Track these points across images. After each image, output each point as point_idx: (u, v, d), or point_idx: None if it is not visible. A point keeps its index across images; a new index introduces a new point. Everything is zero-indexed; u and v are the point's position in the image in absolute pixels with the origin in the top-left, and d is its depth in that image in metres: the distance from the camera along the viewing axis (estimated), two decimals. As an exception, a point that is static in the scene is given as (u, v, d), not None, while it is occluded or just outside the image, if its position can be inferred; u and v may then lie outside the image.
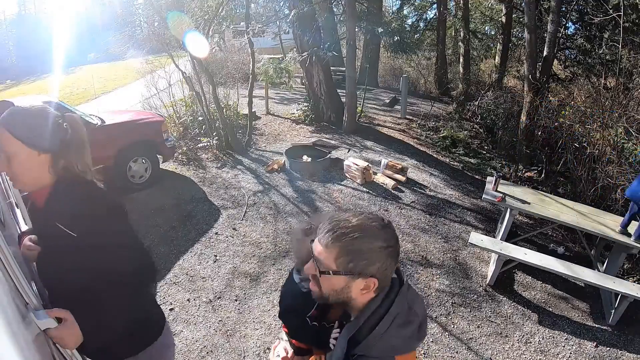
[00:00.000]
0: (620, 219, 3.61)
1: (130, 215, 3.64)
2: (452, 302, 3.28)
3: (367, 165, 5.13)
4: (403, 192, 4.99)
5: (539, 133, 6.26)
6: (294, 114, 8.20)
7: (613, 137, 5.08)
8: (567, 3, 9.23)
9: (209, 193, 4.99)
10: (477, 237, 3.46)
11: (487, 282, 3.51)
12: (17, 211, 1.70)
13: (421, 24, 14.59)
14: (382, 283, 0.90)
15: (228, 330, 2.94)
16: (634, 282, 3.37)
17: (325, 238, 0.86)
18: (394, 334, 0.87)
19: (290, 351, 1.24)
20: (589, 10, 9.50)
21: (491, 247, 3.36)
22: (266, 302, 3.23)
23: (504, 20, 11.14)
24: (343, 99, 7.47)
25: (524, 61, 7.68)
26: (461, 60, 12.07)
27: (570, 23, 10.07)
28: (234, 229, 4.25)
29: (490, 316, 3.16)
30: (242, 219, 4.42)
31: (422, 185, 5.23)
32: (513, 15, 11.14)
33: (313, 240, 0.92)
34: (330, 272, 0.87)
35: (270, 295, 3.29)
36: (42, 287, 1.19)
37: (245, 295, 3.30)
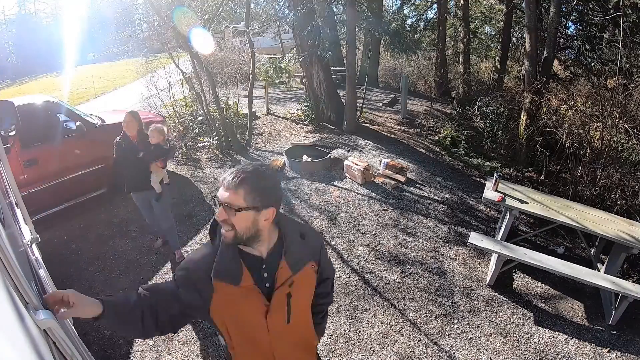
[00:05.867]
0: (620, 219, 3.61)
1: (131, 216, 3.61)
2: (451, 302, 3.28)
3: (367, 165, 5.13)
4: (403, 192, 4.99)
5: (539, 133, 6.25)
6: (293, 113, 8.20)
7: (613, 137, 5.07)
8: (567, 3, 9.22)
9: (208, 193, 4.99)
10: (477, 237, 3.46)
11: (486, 282, 3.51)
12: (17, 211, 1.70)
13: (421, 24, 14.58)
14: (278, 212, 1.16)
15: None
16: (634, 282, 3.36)
17: (232, 183, 1.07)
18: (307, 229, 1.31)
19: None
20: (589, 10, 9.49)
21: (491, 247, 3.36)
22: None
23: (504, 20, 11.14)
24: (343, 99, 7.47)
25: (524, 61, 7.68)
26: (461, 60, 12.07)
27: (570, 23, 10.06)
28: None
29: (489, 316, 3.16)
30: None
31: (422, 185, 5.23)
32: (513, 15, 11.13)
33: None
34: (242, 209, 1.07)
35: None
36: (41, 286, 1.19)
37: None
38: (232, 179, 1.07)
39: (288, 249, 1.20)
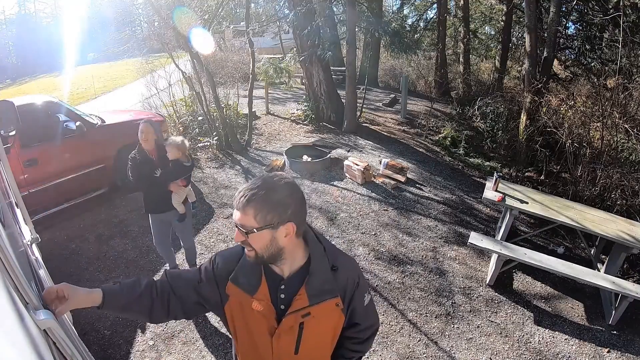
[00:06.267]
0: (620, 219, 3.61)
1: (131, 216, 3.60)
2: (451, 303, 3.28)
3: (367, 165, 5.14)
4: (403, 192, 5.00)
5: (539, 133, 6.26)
6: (294, 113, 8.20)
7: (613, 137, 5.08)
8: (567, 3, 9.23)
9: (208, 193, 4.99)
10: (477, 237, 3.46)
11: (486, 282, 3.51)
12: (17, 211, 1.70)
13: (421, 24, 14.59)
14: (300, 226, 1.07)
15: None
16: (634, 282, 3.36)
17: (240, 204, 1.01)
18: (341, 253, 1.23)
19: None
20: (589, 10, 9.49)
21: (491, 247, 3.36)
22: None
23: (504, 20, 11.14)
24: (343, 99, 7.47)
25: (524, 61, 7.69)
26: (461, 60, 12.07)
27: (570, 23, 10.07)
28: (233, 229, 4.24)
29: (489, 316, 3.16)
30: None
31: (422, 185, 5.23)
32: (513, 15, 11.14)
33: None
34: (255, 229, 1.01)
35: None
36: (41, 286, 1.20)
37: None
38: (240, 198, 1.01)
39: (310, 277, 1.10)
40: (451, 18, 13.68)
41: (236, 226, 1.04)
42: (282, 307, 1.11)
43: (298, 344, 1.14)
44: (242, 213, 1.01)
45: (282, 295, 1.11)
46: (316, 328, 1.14)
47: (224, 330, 2.92)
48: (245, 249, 1.07)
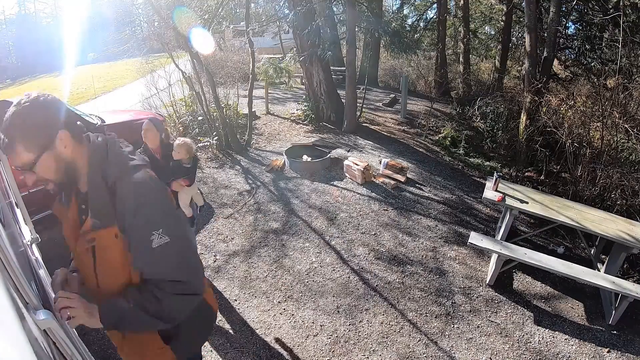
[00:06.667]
0: (620, 219, 3.61)
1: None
2: (451, 303, 3.28)
3: (367, 165, 5.14)
4: (403, 191, 5.00)
5: (539, 133, 6.26)
6: (293, 113, 8.20)
7: (613, 137, 5.08)
8: (567, 3, 9.23)
9: (208, 193, 4.99)
10: (477, 237, 3.46)
11: (486, 282, 3.51)
12: (17, 211, 1.70)
13: (421, 24, 14.60)
14: (76, 130, 1.01)
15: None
16: (634, 282, 3.36)
17: (5, 147, 0.93)
18: (121, 154, 1.07)
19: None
20: (589, 10, 9.50)
21: (491, 247, 3.36)
22: (266, 301, 3.23)
23: (504, 20, 11.15)
24: (343, 99, 7.47)
25: (524, 61, 7.69)
26: (461, 60, 12.08)
27: (570, 23, 10.07)
28: (233, 229, 4.25)
29: (489, 316, 3.16)
30: (242, 219, 4.42)
31: (422, 185, 5.23)
32: (513, 15, 11.14)
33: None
34: (35, 161, 0.94)
35: (270, 295, 3.30)
36: (41, 286, 1.20)
37: (243, 295, 3.30)
38: (2, 142, 0.93)
39: (90, 198, 1.01)
40: (451, 18, 13.69)
41: (20, 171, 0.97)
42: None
43: (95, 267, 1.06)
44: (12, 154, 0.93)
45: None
46: (104, 256, 1.03)
47: (224, 329, 2.93)
48: (47, 186, 1.03)
